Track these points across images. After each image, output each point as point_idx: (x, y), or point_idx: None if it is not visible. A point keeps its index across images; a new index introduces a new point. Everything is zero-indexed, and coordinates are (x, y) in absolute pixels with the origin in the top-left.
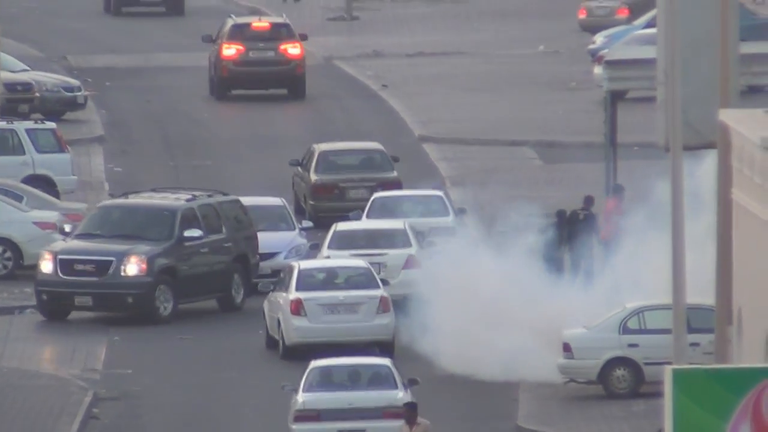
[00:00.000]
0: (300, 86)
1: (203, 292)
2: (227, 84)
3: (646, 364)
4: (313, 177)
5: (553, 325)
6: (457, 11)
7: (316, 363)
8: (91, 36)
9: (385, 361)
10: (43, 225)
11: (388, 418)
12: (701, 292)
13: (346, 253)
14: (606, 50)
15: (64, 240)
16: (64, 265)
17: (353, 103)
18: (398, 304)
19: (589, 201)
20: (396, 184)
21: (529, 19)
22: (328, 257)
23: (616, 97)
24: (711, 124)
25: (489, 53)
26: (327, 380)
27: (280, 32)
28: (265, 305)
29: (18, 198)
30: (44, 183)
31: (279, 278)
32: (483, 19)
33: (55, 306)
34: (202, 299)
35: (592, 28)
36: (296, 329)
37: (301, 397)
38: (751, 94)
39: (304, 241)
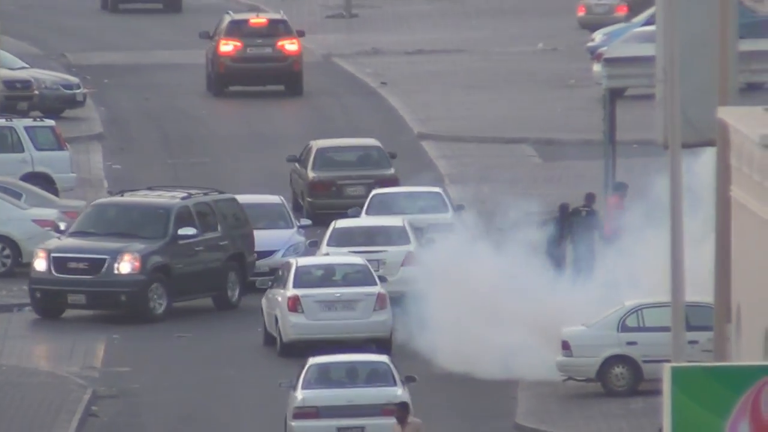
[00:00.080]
0: (297, 82)
1: (198, 290)
2: (224, 80)
3: (645, 361)
4: (311, 174)
5: (553, 322)
6: (456, 9)
7: (314, 360)
8: (89, 33)
9: (383, 358)
10: (41, 222)
11: (387, 415)
12: (697, 287)
13: (345, 250)
14: (605, 48)
15: (58, 238)
16: (58, 263)
17: (352, 100)
18: (397, 301)
19: (590, 198)
20: (393, 181)
21: (528, 17)
22: (327, 254)
23: (615, 95)
24: (710, 121)
25: (488, 51)
26: (326, 377)
27: (277, 28)
28: (263, 302)
29: (17, 195)
30: (43, 180)
31: (277, 275)
32: (482, 16)
33: (49, 304)
34: (196, 297)
35: (591, 25)
36: (293, 326)
37: (300, 394)
38: (750, 92)
39: (302, 239)
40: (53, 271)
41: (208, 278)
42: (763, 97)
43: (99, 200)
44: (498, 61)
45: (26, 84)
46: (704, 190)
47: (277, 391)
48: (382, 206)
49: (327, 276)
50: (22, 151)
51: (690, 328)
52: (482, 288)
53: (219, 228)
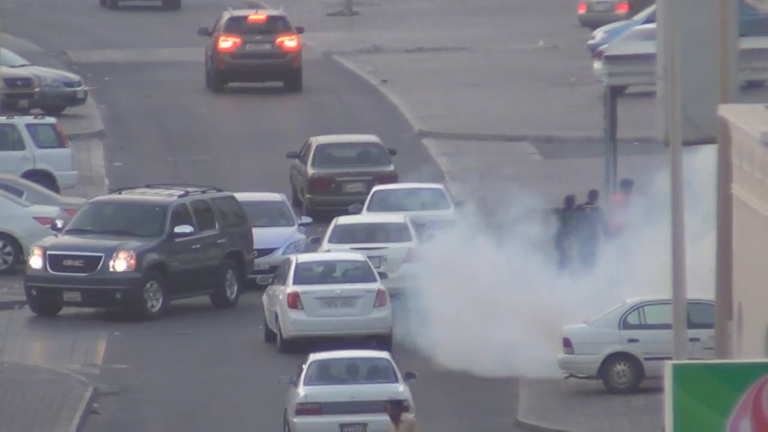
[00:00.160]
0: (296, 79)
1: (195, 288)
2: (224, 76)
3: (646, 359)
4: (310, 171)
5: (555, 319)
6: (456, 6)
7: (315, 356)
8: (89, 30)
9: (384, 355)
10: (43, 220)
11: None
12: (695, 284)
13: (347, 246)
14: (606, 45)
15: (55, 235)
16: (53, 260)
17: (353, 98)
18: (398, 298)
19: (593, 195)
20: (392, 178)
21: (528, 15)
22: (328, 251)
23: (615, 93)
24: (711, 119)
25: (489, 48)
26: (328, 373)
27: (276, 25)
28: (264, 299)
29: (18, 193)
30: (44, 178)
31: (277, 272)
32: (482, 14)
33: (45, 302)
34: (193, 295)
35: (591, 23)
36: (293, 322)
37: (302, 391)
38: (751, 90)
39: (303, 236)
40: (49, 269)
41: (205, 276)
42: (764, 94)
43: (96, 198)
44: (499, 59)
45: (27, 81)
46: (703, 186)
47: (277, 388)
48: (383, 203)
49: (327, 272)
50: (24, 148)
51: (691, 325)
52: (483, 285)
53: (216, 226)
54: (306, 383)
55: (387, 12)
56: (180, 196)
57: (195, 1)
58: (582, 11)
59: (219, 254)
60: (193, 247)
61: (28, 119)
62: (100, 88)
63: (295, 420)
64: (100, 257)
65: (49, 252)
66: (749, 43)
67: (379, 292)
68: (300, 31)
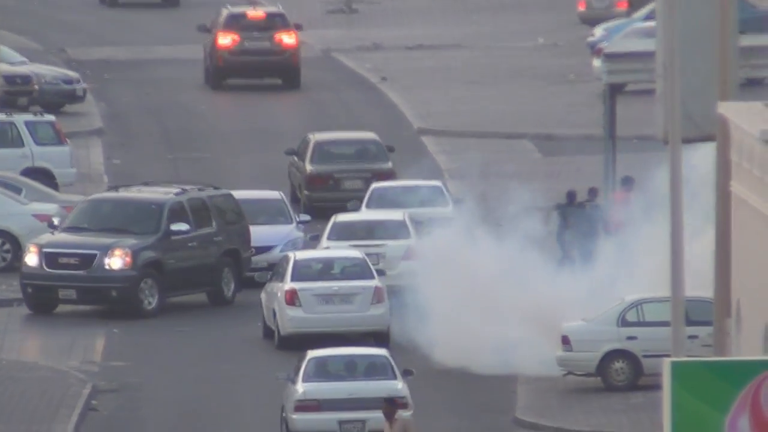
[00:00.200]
0: (295, 76)
1: (191, 286)
2: (223, 73)
3: (645, 356)
4: (308, 167)
5: (554, 317)
6: (456, 4)
7: (314, 353)
8: (88, 28)
9: (382, 352)
10: (42, 217)
11: None
12: (693, 280)
13: (346, 244)
14: (605, 43)
15: (51, 233)
16: (49, 258)
17: (352, 95)
18: (398, 295)
19: (593, 192)
20: (390, 175)
21: (528, 12)
22: (327, 248)
23: (615, 90)
24: (710, 116)
25: (488, 46)
26: (327, 370)
27: (275, 22)
28: (263, 296)
29: (17, 190)
30: (43, 175)
31: (276, 269)
32: (482, 11)
33: (40, 299)
34: (190, 293)
35: (591, 20)
36: (291, 319)
37: (301, 387)
38: (751, 87)
39: (301, 234)
40: (44, 267)
41: (201, 274)
42: (764, 92)
43: (93, 195)
44: (498, 57)
45: (26, 79)
46: (702, 183)
47: (275, 385)
48: (382, 200)
49: (325, 269)
50: (22, 146)
51: (690, 322)
52: (482, 282)
53: (213, 224)
54: (304, 380)
55: (386, 9)
56: (176, 194)
57: None
58: (581, 8)
59: (216, 252)
60: (190, 244)
61: (28, 117)
62: (100, 85)
63: (294, 417)
64: (96, 255)
65: (44, 249)
66: (749, 40)
67: (377, 290)
68: (298, 28)
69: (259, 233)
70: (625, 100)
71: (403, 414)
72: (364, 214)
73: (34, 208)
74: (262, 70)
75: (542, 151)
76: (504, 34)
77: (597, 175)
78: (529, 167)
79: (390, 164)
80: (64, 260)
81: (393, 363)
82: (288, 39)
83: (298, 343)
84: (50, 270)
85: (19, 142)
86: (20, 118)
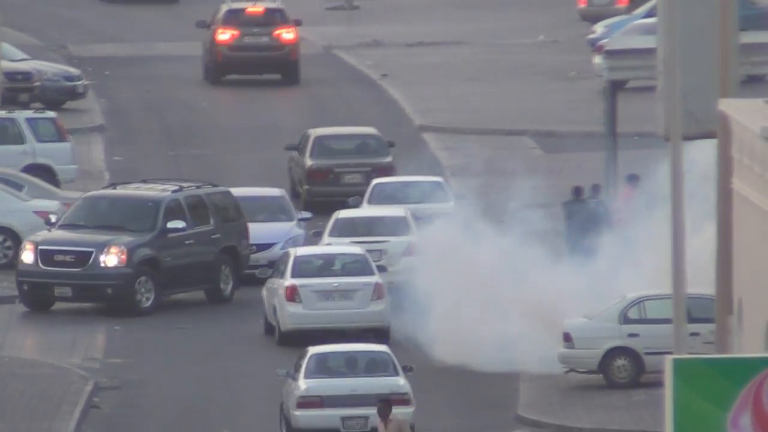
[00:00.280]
0: (294, 71)
1: (188, 283)
2: (222, 69)
3: (647, 353)
4: (309, 162)
5: (559, 313)
6: (456, 1)
7: (315, 349)
8: (89, 25)
9: (384, 348)
10: (43, 214)
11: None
12: (694, 276)
13: (348, 240)
14: (606, 40)
15: (48, 230)
16: (45, 255)
17: (353, 92)
18: (399, 292)
19: (596, 189)
20: (390, 170)
21: (528, 9)
22: (329, 245)
23: (616, 87)
24: (711, 113)
25: (489, 43)
26: (328, 367)
27: (274, 17)
28: (264, 292)
29: (18, 187)
30: (44, 172)
31: (277, 265)
32: (483, 8)
33: (36, 297)
34: (186, 291)
35: (592, 17)
36: (291, 315)
37: (303, 384)
38: (751, 84)
39: (302, 231)
40: (40, 264)
41: (198, 271)
42: (764, 89)
43: (89, 193)
44: (499, 53)
45: (27, 76)
46: (701, 178)
47: (276, 381)
48: (383, 196)
49: (325, 266)
50: (24, 142)
51: (692, 320)
52: (484, 278)
53: (211, 221)
54: (306, 376)
55: (387, 6)
56: (174, 192)
57: None
58: (582, 5)
59: (213, 249)
60: (187, 242)
61: (29, 113)
62: (101, 82)
63: (297, 413)
64: (91, 252)
65: (40, 247)
66: (749, 37)
67: (377, 286)
68: (297, 23)
69: (259, 230)
70: (626, 97)
71: (398, 414)
72: (366, 211)
73: (36, 204)
74: (261, 66)
75: (543, 147)
76: (505, 31)
77: (598, 172)
78: (530, 164)
79: (390, 158)
80: (59, 258)
81: (395, 359)
82: (287, 34)
83: (299, 339)
84: (46, 267)
85: (20, 139)
86: (21, 115)
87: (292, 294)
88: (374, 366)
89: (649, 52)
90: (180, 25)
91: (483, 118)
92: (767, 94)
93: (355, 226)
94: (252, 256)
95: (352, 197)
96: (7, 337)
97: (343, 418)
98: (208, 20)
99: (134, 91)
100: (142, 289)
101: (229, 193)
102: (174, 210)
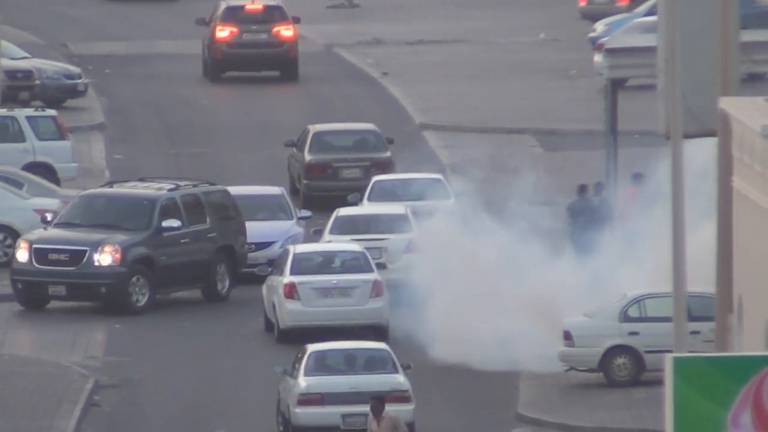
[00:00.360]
0: (293, 68)
1: (183, 282)
2: (221, 65)
3: (647, 352)
4: (307, 157)
5: (560, 312)
6: None
7: (314, 347)
8: (90, 23)
9: (384, 346)
10: (43, 212)
11: (391, 402)
12: (693, 274)
13: (348, 238)
14: (606, 38)
15: (44, 228)
16: (39, 254)
17: (354, 90)
18: (399, 289)
19: (599, 187)
20: (389, 164)
21: (529, 7)
22: (329, 242)
23: (616, 85)
24: (711, 112)
25: (490, 41)
26: (329, 364)
27: (273, 15)
28: (264, 289)
29: (18, 185)
30: (45, 170)
31: (276, 262)
32: (483, 6)
33: (31, 295)
34: (182, 290)
35: (592, 15)
36: (290, 313)
37: (304, 381)
38: (752, 82)
39: (301, 230)
40: (34, 263)
41: (194, 270)
42: (765, 87)
43: (86, 191)
44: (499, 52)
45: (28, 74)
46: (698, 174)
47: (276, 378)
48: (384, 193)
49: (324, 263)
50: (24, 140)
51: (692, 318)
52: (484, 276)
53: (208, 220)
54: (306, 374)
55: (387, 4)
56: (169, 190)
57: None
58: (583, 4)
59: (209, 248)
60: (182, 241)
61: (29, 111)
62: (101, 80)
63: (298, 410)
64: (85, 251)
65: (35, 245)
66: (750, 35)
67: (376, 283)
68: (296, 20)
69: (259, 229)
70: (627, 95)
71: (390, 411)
72: (366, 208)
73: (36, 203)
74: (260, 63)
75: (544, 146)
76: (505, 29)
77: (598, 170)
78: (531, 162)
79: (389, 153)
80: (53, 256)
81: (394, 356)
82: (286, 31)
83: (298, 336)
84: (40, 266)
85: (20, 137)
86: (22, 113)
87: (291, 291)
88: (374, 363)
89: (649, 50)
90: (180, 23)
91: (484, 116)
92: None
93: (355, 223)
94: (251, 254)
95: (351, 194)
96: (7, 335)
97: (344, 416)
98: (208, 17)
99: (134, 89)
100: (136, 288)
101: (226, 191)
102: (169, 209)
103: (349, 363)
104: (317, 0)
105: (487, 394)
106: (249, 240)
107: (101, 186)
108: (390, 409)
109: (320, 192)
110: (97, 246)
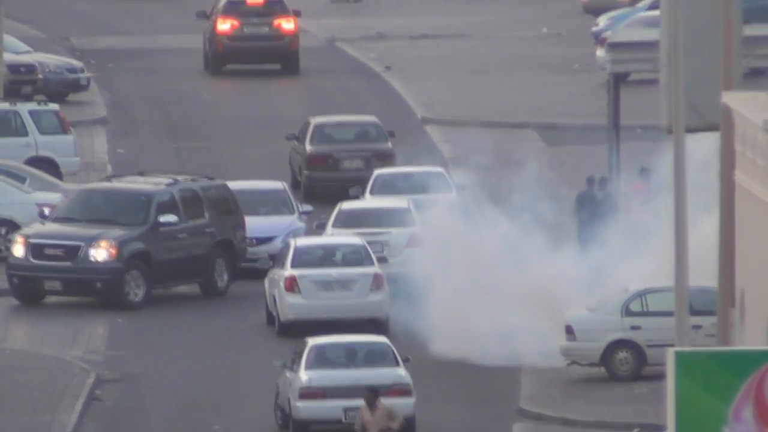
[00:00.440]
0: (293, 62)
1: (180, 277)
2: (222, 59)
3: (649, 346)
4: (308, 148)
5: (563, 305)
6: None
7: (315, 341)
8: (92, 17)
9: (384, 339)
10: (45, 206)
11: (393, 396)
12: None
13: (350, 231)
14: (609, 32)
15: (42, 223)
16: (35, 249)
17: (356, 84)
18: (402, 283)
19: (603, 182)
20: (390, 156)
21: (531, 2)
22: (332, 236)
23: (619, 80)
24: (714, 106)
25: (492, 35)
26: (330, 358)
27: (273, 8)
28: (266, 282)
29: (21, 179)
30: (47, 164)
31: (278, 256)
32: (486, 1)
33: (27, 290)
34: (179, 285)
35: (595, 10)
36: (290, 306)
37: (305, 375)
38: (754, 77)
39: (303, 225)
40: (30, 258)
41: (191, 265)
42: (767, 82)
43: (84, 186)
44: (502, 46)
45: (30, 68)
46: (698, 168)
47: (276, 372)
48: (386, 186)
49: (325, 256)
50: (26, 135)
51: (694, 312)
52: (486, 270)
53: (206, 215)
54: (308, 368)
55: None
56: (167, 185)
57: None
58: None
59: (207, 243)
60: (179, 236)
61: (31, 106)
62: (103, 74)
63: (299, 404)
64: (80, 246)
65: (31, 240)
66: (753, 30)
67: (376, 276)
68: (297, 14)
69: (260, 224)
70: (629, 90)
71: (385, 403)
72: (369, 202)
73: (38, 197)
74: (261, 56)
75: (546, 140)
76: (508, 24)
77: (601, 164)
78: (533, 157)
79: (389, 145)
80: (49, 251)
81: (395, 350)
82: (287, 24)
83: (299, 330)
84: (36, 261)
85: (23, 131)
86: (24, 107)
87: (292, 284)
88: (375, 357)
89: (652, 44)
90: (182, 17)
91: (486, 110)
92: None
93: (357, 217)
94: (251, 249)
95: (352, 187)
96: (8, 330)
97: (345, 409)
98: (209, 11)
99: (137, 83)
100: (132, 284)
101: (225, 186)
102: (167, 204)
103: (350, 357)
104: None
105: (488, 388)
106: (250, 235)
107: (101, 180)
108: (391, 402)
109: (321, 183)
110: (92, 241)
